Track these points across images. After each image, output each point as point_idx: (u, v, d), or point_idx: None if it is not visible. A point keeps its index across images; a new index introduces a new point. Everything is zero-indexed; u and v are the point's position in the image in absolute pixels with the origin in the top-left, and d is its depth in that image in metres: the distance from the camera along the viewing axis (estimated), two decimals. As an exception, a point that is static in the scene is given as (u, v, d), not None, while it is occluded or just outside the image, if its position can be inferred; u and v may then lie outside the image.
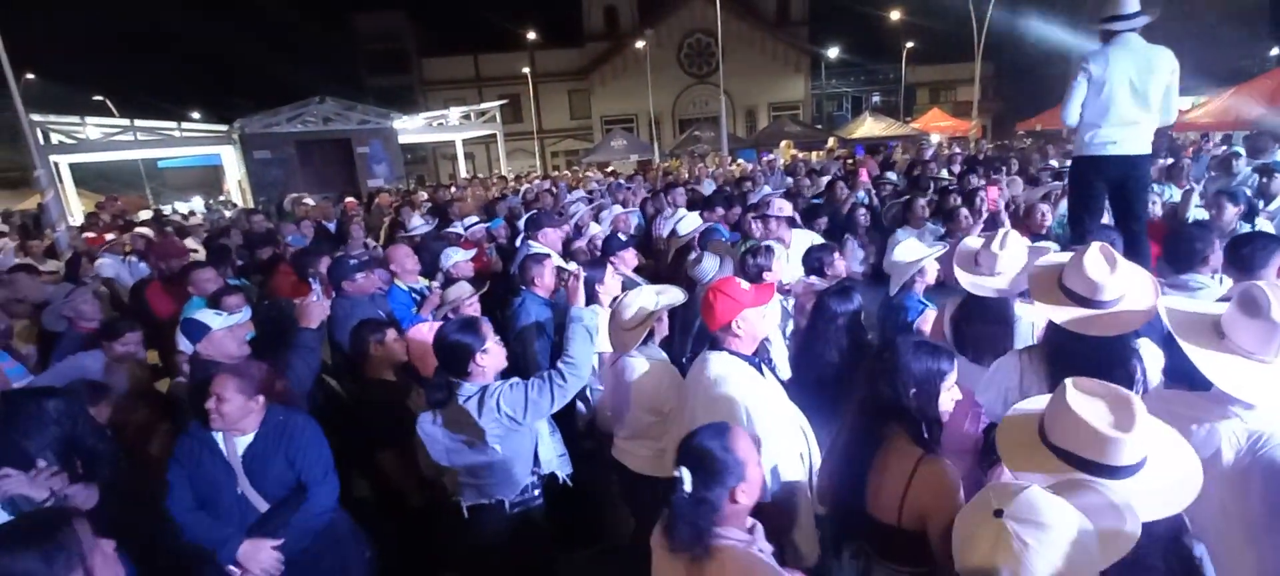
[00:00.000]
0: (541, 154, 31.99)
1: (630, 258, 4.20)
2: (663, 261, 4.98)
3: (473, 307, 3.41)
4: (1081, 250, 1.97)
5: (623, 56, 30.66)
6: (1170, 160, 6.98)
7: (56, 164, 13.64)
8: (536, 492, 2.50)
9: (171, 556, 2.19)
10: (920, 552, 1.68)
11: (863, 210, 5.41)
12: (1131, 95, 3.74)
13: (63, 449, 2.24)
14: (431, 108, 24.06)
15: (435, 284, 4.16)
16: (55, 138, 14.22)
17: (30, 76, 18.95)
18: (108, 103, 22.92)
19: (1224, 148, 8.77)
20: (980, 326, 2.49)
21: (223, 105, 23.09)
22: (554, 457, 2.54)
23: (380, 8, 30.32)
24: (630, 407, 2.63)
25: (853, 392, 2.61)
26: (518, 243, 5.17)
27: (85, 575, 1.49)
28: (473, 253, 4.78)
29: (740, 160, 17.18)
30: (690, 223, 4.71)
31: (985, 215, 4.27)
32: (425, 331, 3.19)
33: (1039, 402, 1.57)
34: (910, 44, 29.11)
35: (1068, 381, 1.43)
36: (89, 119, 15.37)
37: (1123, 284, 1.90)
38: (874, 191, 7.09)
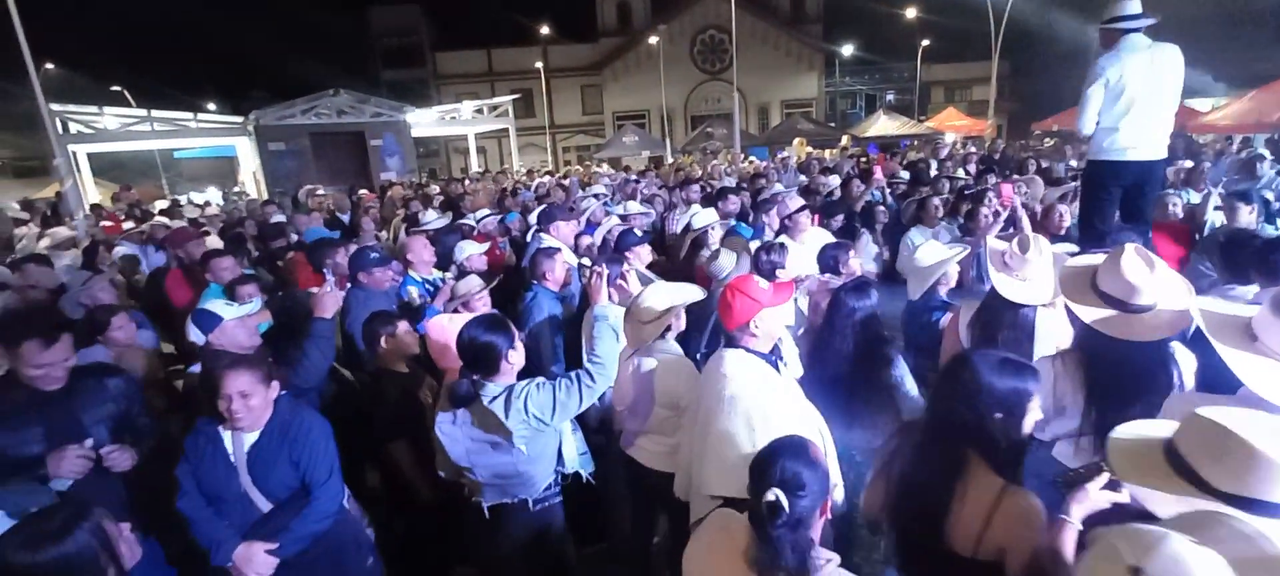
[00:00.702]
0: (553, 149, 32.02)
1: (645, 253, 4.19)
2: (675, 258, 4.95)
3: (483, 301, 3.40)
4: (1116, 251, 1.92)
5: (636, 52, 30.61)
6: (1189, 164, 6.86)
7: (75, 153, 13.81)
8: (557, 493, 2.47)
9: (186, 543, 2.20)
10: None
11: (882, 208, 5.37)
12: (1148, 98, 3.67)
13: (115, 426, 2.36)
14: (444, 101, 24.17)
15: (449, 276, 4.16)
16: (74, 127, 14.39)
17: (50, 66, 19.20)
18: (125, 93, 23.20)
19: (1245, 150, 8.62)
20: (1001, 330, 2.45)
21: (238, 97, 23.36)
22: (577, 456, 2.48)
23: (395, 1, 30.43)
24: (645, 402, 2.61)
25: (867, 391, 2.64)
26: (529, 237, 5.17)
27: (117, 569, 1.51)
28: (486, 246, 4.78)
29: (753, 157, 17.10)
30: (705, 217, 4.69)
31: (1001, 215, 4.21)
32: (444, 323, 3.18)
33: (1154, 425, 1.42)
34: (926, 42, 28.87)
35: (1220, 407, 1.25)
36: (107, 109, 15.54)
37: (1159, 286, 1.85)
38: (888, 190, 7.03)
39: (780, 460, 1.40)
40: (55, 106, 12.98)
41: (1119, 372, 1.74)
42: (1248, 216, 4.02)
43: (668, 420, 2.59)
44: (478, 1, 32.26)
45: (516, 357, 2.30)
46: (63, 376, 2.29)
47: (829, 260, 3.62)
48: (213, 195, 17.83)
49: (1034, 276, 2.43)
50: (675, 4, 30.41)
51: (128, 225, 8.19)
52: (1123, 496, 1.43)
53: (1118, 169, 3.87)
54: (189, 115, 16.80)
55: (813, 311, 3.42)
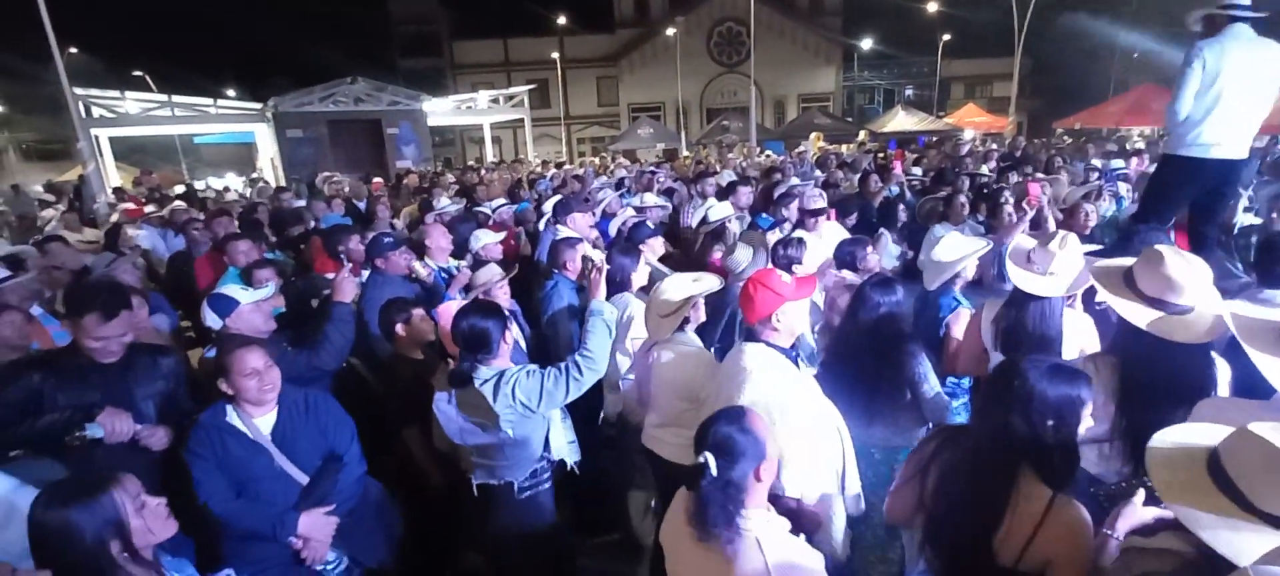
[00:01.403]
0: (568, 140, 32.02)
1: (658, 245, 4.17)
2: (690, 250, 4.93)
3: (503, 291, 3.40)
4: (1155, 251, 1.86)
5: (652, 44, 30.48)
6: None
7: (97, 137, 13.97)
8: (546, 477, 2.51)
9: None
10: None
11: (902, 206, 5.30)
12: (1243, 93, 3.41)
13: (162, 404, 2.43)
14: (461, 91, 24.18)
15: (464, 264, 4.17)
16: (96, 111, 14.54)
17: (73, 50, 19.45)
18: (147, 78, 23.47)
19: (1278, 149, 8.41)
20: (1028, 331, 2.39)
21: (257, 83, 23.44)
22: (564, 444, 2.55)
23: (414, -11, 30.54)
24: (663, 394, 2.60)
25: (889, 390, 2.59)
26: (543, 226, 5.16)
27: (122, 540, 1.54)
28: (501, 235, 4.78)
29: (768, 151, 16.98)
30: (721, 210, 4.65)
31: (1027, 213, 4.12)
32: (455, 309, 3.18)
33: (1196, 431, 1.36)
34: (947, 37, 28.45)
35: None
36: (128, 93, 15.67)
37: (1199, 287, 1.79)
38: (907, 186, 6.93)
39: (716, 425, 1.53)
40: (78, 90, 13.14)
41: (1155, 377, 1.67)
42: None
43: (686, 413, 2.57)
44: (496, -10, 32.27)
45: (507, 343, 2.35)
46: (119, 350, 2.36)
47: (847, 256, 3.57)
48: (232, 181, 18.03)
49: (1059, 271, 2.37)
50: (693, -5, 30.24)
51: (148, 209, 8.29)
52: (1167, 512, 1.37)
53: (1197, 167, 3.58)
54: (208, 101, 16.93)
55: (829, 308, 3.38)
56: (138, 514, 1.57)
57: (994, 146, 13.02)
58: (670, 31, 27.66)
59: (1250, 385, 1.74)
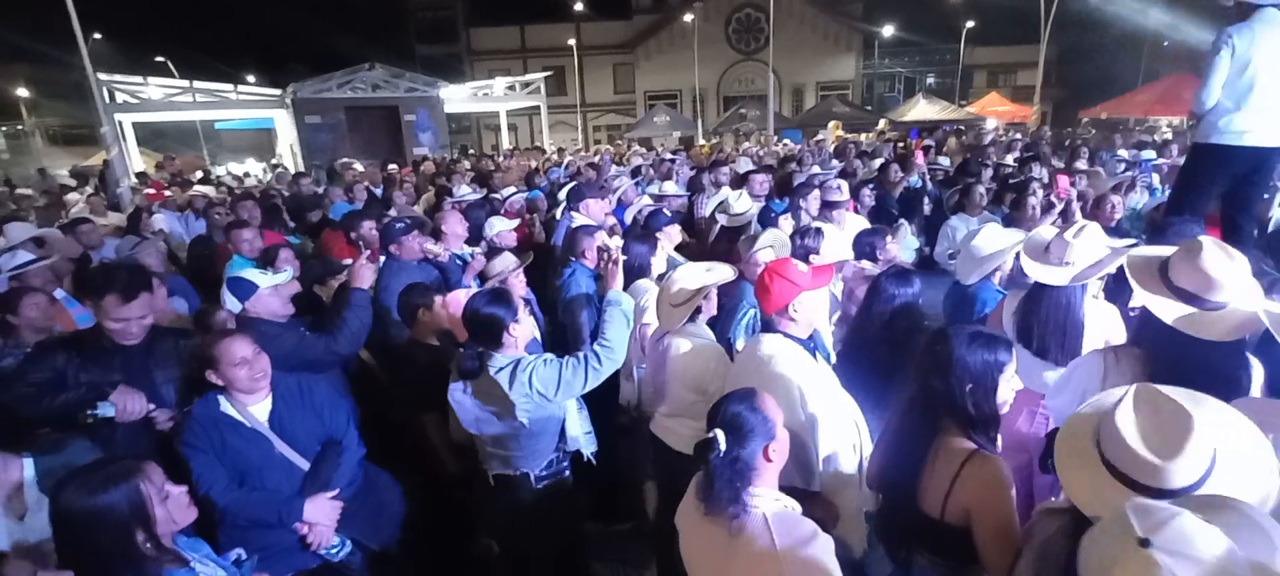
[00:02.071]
0: (584, 128, 31.93)
1: (675, 233, 4.13)
2: (705, 241, 4.88)
3: (518, 279, 3.38)
4: (1193, 243, 1.79)
5: (669, 30, 30.19)
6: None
7: (120, 122, 14.17)
8: (565, 467, 2.49)
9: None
10: (961, 548, 1.65)
11: (926, 197, 5.21)
12: (1276, 79, 3.31)
13: (183, 388, 2.44)
14: (477, 77, 24.20)
15: (478, 251, 4.17)
16: (120, 96, 14.73)
17: (97, 36, 19.71)
18: (168, 63, 23.73)
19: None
20: (1047, 322, 2.33)
21: (277, 69, 23.62)
22: (581, 434, 2.51)
23: (431, -25, 30.48)
24: (674, 385, 2.58)
25: (905, 382, 2.55)
26: (558, 214, 5.14)
27: (146, 530, 1.55)
28: (515, 222, 4.77)
29: (786, 140, 16.80)
30: (744, 203, 4.56)
31: (1056, 206, 4.02)
32: (463, 297, 3.17)
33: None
34: (970, 23, 27.87)
35: (1130, 391, 1.29)
36: (150, 79, 15.85)
37: (1236, 282, 1.74)
38: (929, 177, 6.81)
39: (727, 403, 1.56)
40: (102, 76, 13.32)
41: (1184, 374, 1.62)
42: None
43: (694, 404, 2.55)
44: (512, -24, 32.12)
45: (520, 330, 2.31)
46: (140, 333, 2.38)
47: (866, 247, 3.52)
48: (252, 166, 18.23)
49: (1075, 260, 2.30)
50: (711, -19, 29.88)
51: (169, 193, 8.41)
52: None
53: (1228, 155, 3.50)
54: (229, 87, 17.08)
55: (848, 299, 3.33)
56: (161, 503, 1.58)
57: (1017, 136, 12.74)
58: (688, 18, 27.39)
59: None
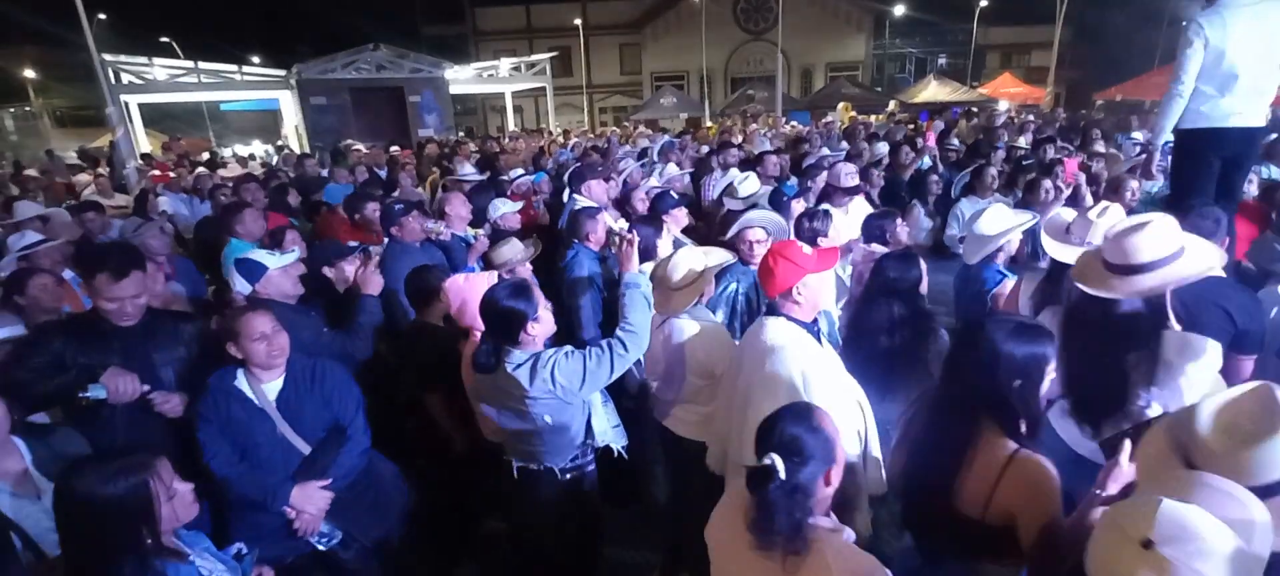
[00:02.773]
0: (590, 109, 31.69)
1: (681, 216, 4.09)
2: (712, 224, 4.83)
3: (526, 269, 3.34)
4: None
5: (676, 10, 29.82)
6: (1273, 136, 6.35)
7: (127, 103, 14.16)
8: (589, 461, 2.44)
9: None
10: (1003, 548, 1.56)
11: (935, 177, 5.13)
12: (1255, 62, 3.32)
13: (183, 370, 2.41)
14: (483, 58, 24.00)
15: (482, 233, 4.14)
16: (125, 78, 14.70)
17: (102, 16, 19.63)
18: (174, 44, 23.67)
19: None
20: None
21: (282, 50, 23.49)
22: (608, 429, 2.42)
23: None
24: (678, 372, 2.55)
25: (906, 366, 2.52)
26: (564, 197, 5.10)
27: (149, 528, 1.53)
28: (520, 205, 4.74)
29: (794, 122, 16.61)
30: (751, 185, 4.51)
31: (1063, 192, 3.96)
32: (461, 282, 3.14)
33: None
34: (984, 2, 27.36)
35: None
36: (156, 60, 15.81)
37: (1161, 249, 1.79)
38: (940, 158, 6.72)
39: (781, 424, 1.39)
40: (107, 57, 13.29)
41: (1096, 339, 1.80)
42: None
43: (702, 390, 2.53)
44: (519, -45, 31.72)
45: (540, 328, 2.21)
46: (136, 313, 2.35)
47: (875, 230, 3.48)
48: (257, 148, 18.21)
49: (1097, 240, 2.26)
50: (719, -40, 29.41)
51: (173, 175, 8.41)
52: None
53: (1218, 137, 3.51)
54: (233, 68, 17.02)
55: (857, 283, 3.29)
56: (168, 501, 1.56)
57: (1030, 118, 12.54)
58: (696, -3, 27.05)
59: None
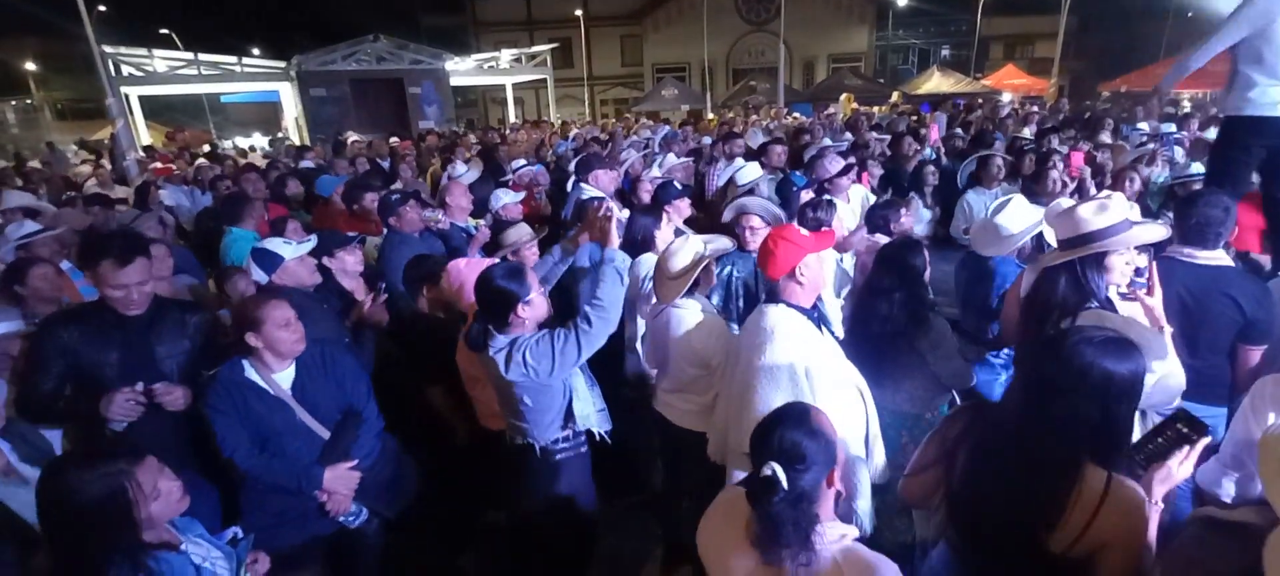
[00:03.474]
0: (591, 101, 31.58)
1: (684, 207, 4.07)
2: (715, 214, 4.80)
3: (531, 251, 3.32)
4: None
5: (678, 2, 29.66)
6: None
7: (127, 95, 14.13)
8: (581, 444, 2.43)
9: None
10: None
11: (931, 168, 5.09)
12: None
13: (187, 362, 2.39)
14: (483, 49, 23.91)
15: (483, 223, 4.12)
16: (125, 69, 14.65)
17: (102, 7, 19.58)
18: (174, 36, 23.59)
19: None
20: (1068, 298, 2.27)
21: (282, 42, 23.40)
22: (592, 413, 2.39)
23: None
24: (674, 360, 2.53)
25: (909, 354, 2.50)
26: (569, 186, 5.07)
27: (132, 526, 1.50)
28: (522, 194, 4.71)
29: (796, 113, 16.53)
30: (751, 172, 4.49)
31: (1068, 185, 3.92)
32: (462, 265, 3.12)
33: None
34: (988, -8, 27.17)
35: None
36: (156, 51, 15.75)
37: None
38: (943, 150, 6.68)
39: (778, 430, 1.31)
40: (107, 49, 13.24)
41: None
42: None
43: (699, 379, 2.51)
44: (519, -54, 31.53)
45: (530, 311, 2.20)
46: (142, 302, 2.32)
47: (879, 220, 3.45)
48: (257, 140, 18.16)
49: None
50: (721, -49, 29.20)
51: (174, 166, 8.39)
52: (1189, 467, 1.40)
53: (1263, 126, 3.44)
54: (233, 59, 16.96)
55: (861, 272, 3.27)
56: (151, 501, 1.52)
57: (1034, 109, 12.46)
58: (697, -12, 26.88)
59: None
